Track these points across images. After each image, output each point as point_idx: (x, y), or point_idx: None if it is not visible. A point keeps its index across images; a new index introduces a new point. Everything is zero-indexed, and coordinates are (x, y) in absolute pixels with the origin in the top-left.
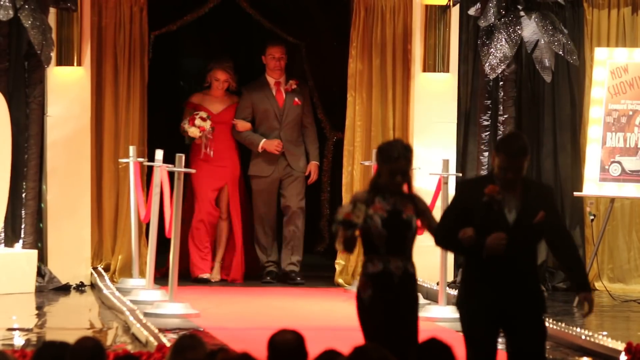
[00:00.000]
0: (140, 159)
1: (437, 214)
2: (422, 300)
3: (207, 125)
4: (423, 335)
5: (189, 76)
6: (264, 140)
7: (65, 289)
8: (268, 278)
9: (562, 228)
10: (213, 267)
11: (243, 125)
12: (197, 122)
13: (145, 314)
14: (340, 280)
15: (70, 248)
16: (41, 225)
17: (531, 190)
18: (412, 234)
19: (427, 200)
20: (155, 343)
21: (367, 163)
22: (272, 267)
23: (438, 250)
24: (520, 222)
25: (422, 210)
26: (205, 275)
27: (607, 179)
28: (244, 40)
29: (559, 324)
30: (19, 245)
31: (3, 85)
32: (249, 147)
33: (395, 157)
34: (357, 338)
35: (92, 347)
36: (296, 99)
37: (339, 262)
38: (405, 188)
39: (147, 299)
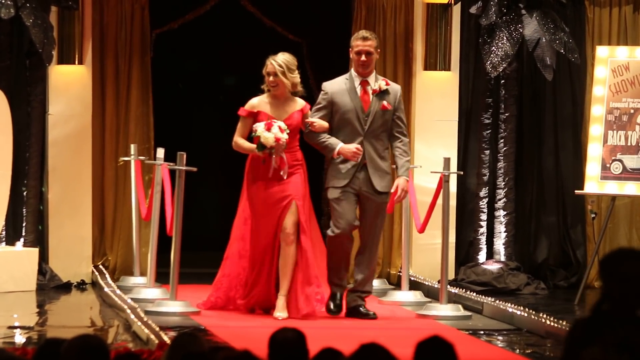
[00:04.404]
0: (142, 157)
1: (437, 213)
2: (423, 298)
3: (284, 138)
4: (424, 333)
5: (190, 76)
6: (341, 144)
7: (66, 287)
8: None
9: None
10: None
11: (321, 125)
12: (275, 129)
13: (146, 312)
14: None
15: (72, 246)
16: (42, 224)
17: None
18: None
19: (428, 198)
20: (156, 341)
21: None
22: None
23: (439, 248)
24: None
25: None
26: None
27: (608, 177)
28: (246, 39)
29: (560, 322)
30: (20, 243)
31: (4, 84)
32: (323, 152)
33: (627, 275)
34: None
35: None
36: (385, 103)
37: None
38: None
39: (148, 297)
